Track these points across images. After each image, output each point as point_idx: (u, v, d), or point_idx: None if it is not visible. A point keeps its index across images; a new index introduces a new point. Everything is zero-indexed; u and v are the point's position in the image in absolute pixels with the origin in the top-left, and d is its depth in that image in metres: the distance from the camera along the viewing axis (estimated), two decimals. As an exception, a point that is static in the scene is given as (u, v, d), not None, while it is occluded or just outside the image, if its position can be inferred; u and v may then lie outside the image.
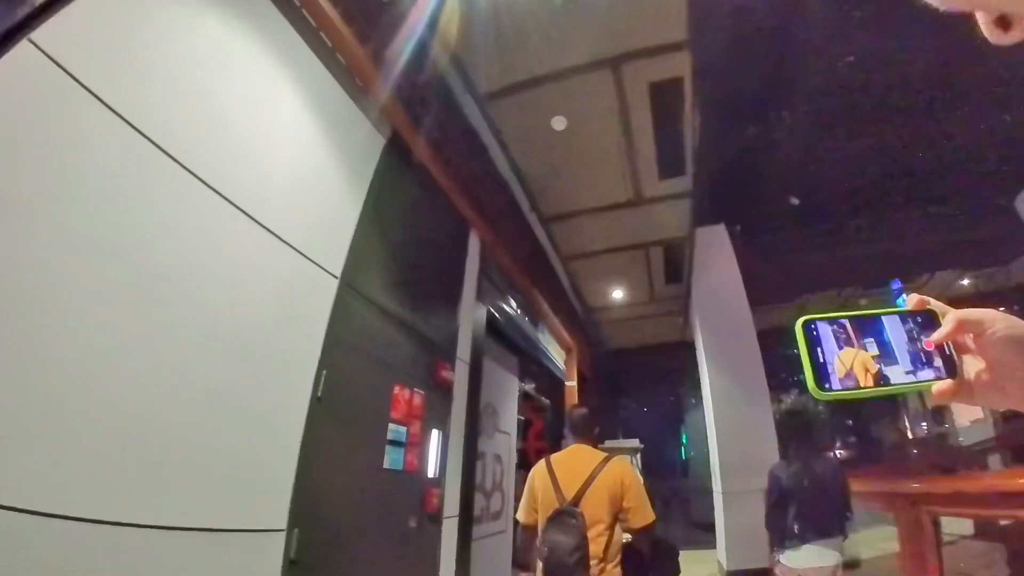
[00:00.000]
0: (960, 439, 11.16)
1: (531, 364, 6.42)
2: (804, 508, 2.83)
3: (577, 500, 2.23)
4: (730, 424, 6.67)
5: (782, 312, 9.71)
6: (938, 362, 0.53)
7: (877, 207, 7.59)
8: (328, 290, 2.50)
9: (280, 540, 1.99)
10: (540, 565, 2.22)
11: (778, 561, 2.95)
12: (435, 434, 3.39)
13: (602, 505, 2.21)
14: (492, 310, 5.08)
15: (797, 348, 0.54)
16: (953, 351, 0.53)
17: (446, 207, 4.01)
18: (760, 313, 7.56)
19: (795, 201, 6.74)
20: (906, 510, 2.93)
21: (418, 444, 3.13)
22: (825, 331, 0.54)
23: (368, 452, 2.71)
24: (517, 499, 6.13)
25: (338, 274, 2.55)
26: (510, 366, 5.81)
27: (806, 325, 0.55)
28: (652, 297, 7.82)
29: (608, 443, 8.32)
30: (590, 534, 2.16)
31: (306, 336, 2.34)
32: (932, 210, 7.62)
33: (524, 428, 8.04)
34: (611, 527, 2.20)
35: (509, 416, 5.57)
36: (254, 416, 1.97)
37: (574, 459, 2.41)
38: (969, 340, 0.53)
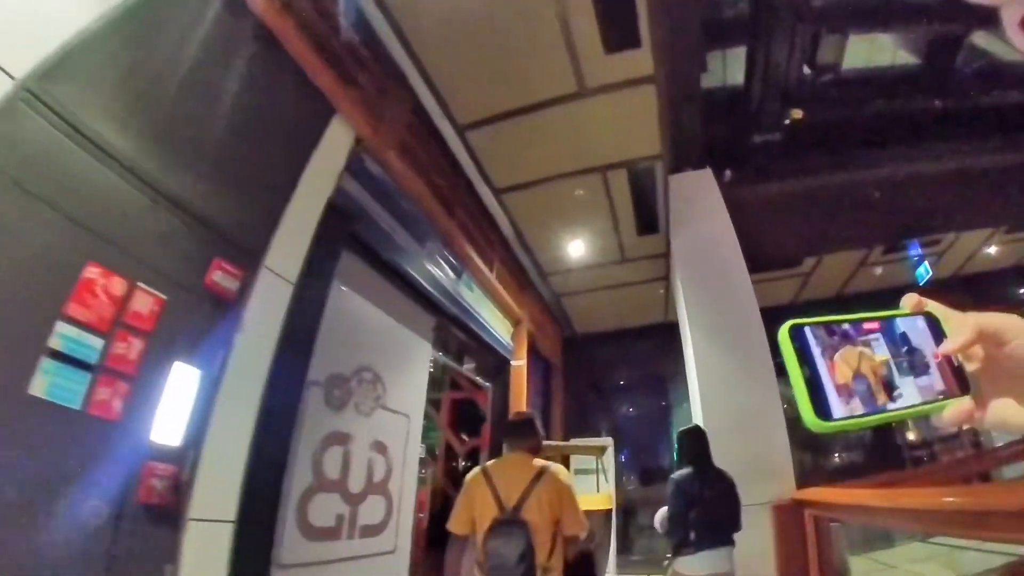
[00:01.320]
0: (994, 435, 9.65)
1: (456, 329, 4.92)
2: (703, 518, 2.96)
3: (518, 508, 2.16)
4: (724, 416, 4.94)
5: (784, 283, 8.22)
6: (945, 375, 0.46)
7: (899, 139, 6.14)
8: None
9: None
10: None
11: (673, 568, 3.05)
12: (183, 371, 2.09)
13: (543, 513, 2.17)
14: (383, 238, 3.70)
15: (784, 361, 0.44)
16: (962, 363, 0.46)
17: (279, 63, 2.86)
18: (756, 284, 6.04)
19: (797, 114, 5.27)
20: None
21: (131, 376, 1.92)
22: (819, 339, 0.44)
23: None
24: (423, 506, 4.68)
25: (17, 75, 1.69)
26: (417, 326, 4.31)
27: (794, 331, 0.45)
28: (622, 254, 6.27)
29: (575, 440, 6.89)
30: (534, 542, 2.11)
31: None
32: (972, 146, 6.14)
33: (473, 422, 6.60)
34: (553, 535, 2.18)
35: (409, 391, 4.05)
36: None
37: (512, 467, 2.31)
38: (978, 349, 0.46)
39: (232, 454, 2.31)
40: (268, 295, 2.60)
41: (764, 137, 5.43)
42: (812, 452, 9.77)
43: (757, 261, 6.15)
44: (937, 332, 0.47)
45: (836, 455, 10.59)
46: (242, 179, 2.57)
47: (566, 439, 7.25)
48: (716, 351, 5.43)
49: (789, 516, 4.00)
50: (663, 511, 3.19)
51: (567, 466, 7.20)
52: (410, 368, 4.11)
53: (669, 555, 3.12)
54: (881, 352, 0.45)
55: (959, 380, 0.45)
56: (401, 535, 3.66)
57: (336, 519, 3.13)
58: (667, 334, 7.55)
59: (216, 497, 2.20)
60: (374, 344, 3.66)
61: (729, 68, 6.18)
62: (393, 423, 3.75)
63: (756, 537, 4.03)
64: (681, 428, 3.40)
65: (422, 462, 4.22)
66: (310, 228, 2.99)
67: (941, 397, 0.45)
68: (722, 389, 5.21)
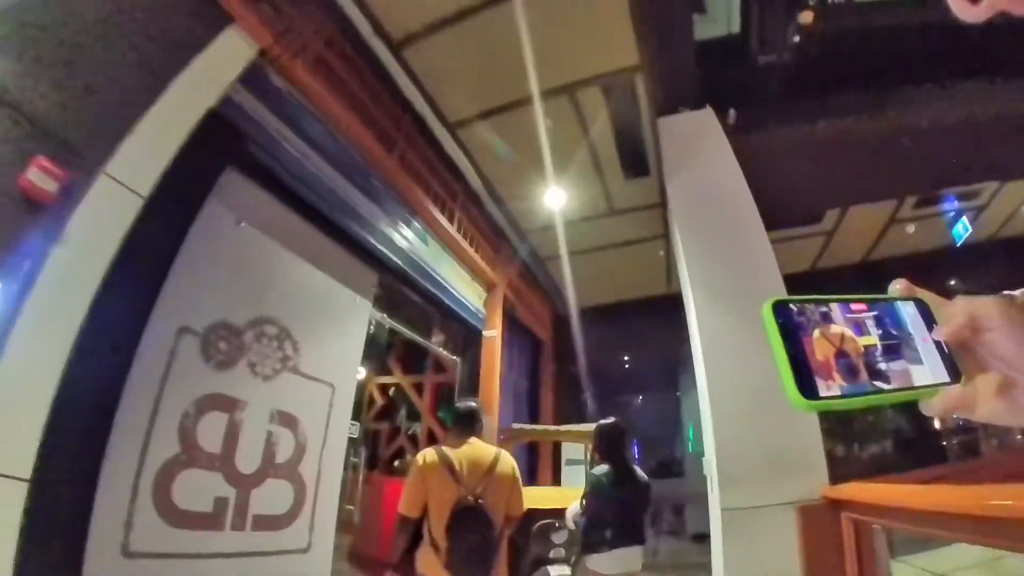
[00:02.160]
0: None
1: (408, 289, 4.21)
2: (619, 517, 2.98)
3: (480, 493, 2.24)
4: (737, 399, 3.87)
5: (802, 244, 7.33)
6: (936, 362, 0.43)
7: (932, 73, 5.27)
8: None
9: None
10: (431, 557, 2.21)
11: (584, 566, 3.05)
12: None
13: (501, 496, 2.32)
14: (297, 170, 3.08)
15: (769, 338, 0.42)
16: (951, 350, 0.44)
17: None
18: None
19: (807, 18, 4.43)
20: None
21: None
22: (804, 317, 0.43)
23: None
24: (346, 486, 3.90)
25: None
26: (351, 280, 3.61)
27: (778, 308, 0.43)
28: (609, 203, 5.48)
29: (567, 426, 6.15)
30: (495, 524, 2.23)
31: None
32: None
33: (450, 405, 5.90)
34: (506, 517, 2.38)
35: (334, 355, 3.34)
36: None
37: (471, 452, 2.36)
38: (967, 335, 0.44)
39: (30, 393, 1.84)
40: (105, 206, 2.16)
41: (769, 58, 4.63)
42: (843, 443, 8.85)
43: (770, 217, 5.33)
44: (927, 318, 0.46)
45: (861, 446, 9.60)
46: (87, 73, 2.18)
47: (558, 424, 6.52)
48: (725, 321, 4.45)
49: (821, 519, 3.10)
50: (575, 507, 3.25)
51: (558, 454, 6.50)
52: (338, 328, 3.41)
53: (576, 551, 3.16)
54: (869, 334, 0.44)
55: (950, 367, 0.43)
56: (318, 531, 2.96)
57: (216, 504, 2.45)
58: (676, 308, 6.72)
59: (3, 445, 1.76)
60: (284, 294, 2.98)
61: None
62: (309, 392, 3.06)
63: (778, 545, 3.18)
64: (600, 423, 3.33)
65: (402, 452, 3.51)
66: (177, 138, 2.47)
67: (932, 383, 0.43)
68: (734, 367, 4.14)
